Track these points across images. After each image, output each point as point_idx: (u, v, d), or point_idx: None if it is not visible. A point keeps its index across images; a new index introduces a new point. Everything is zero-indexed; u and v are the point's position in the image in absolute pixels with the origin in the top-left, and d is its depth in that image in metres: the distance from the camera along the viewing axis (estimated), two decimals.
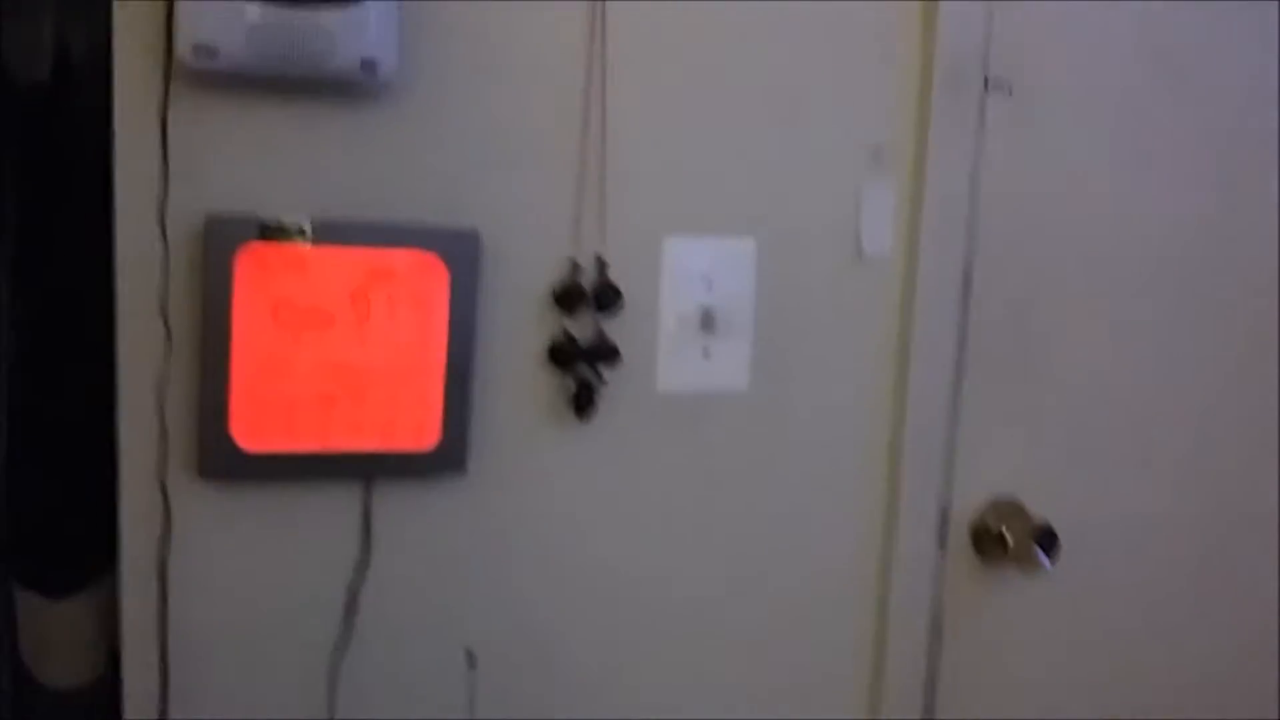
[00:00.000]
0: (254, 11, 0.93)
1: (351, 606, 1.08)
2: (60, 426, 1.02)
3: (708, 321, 1.20)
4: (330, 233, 1.01)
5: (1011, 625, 1.41)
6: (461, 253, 1.06)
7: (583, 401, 1.14)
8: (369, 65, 0.98)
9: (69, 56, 1.01)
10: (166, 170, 0.96)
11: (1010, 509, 1.37)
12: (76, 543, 1.04)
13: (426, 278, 1.05)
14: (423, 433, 1.08)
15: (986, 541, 1.37)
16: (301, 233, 0.99)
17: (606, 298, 1.14)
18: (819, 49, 1.19)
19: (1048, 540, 1.33)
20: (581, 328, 1.14)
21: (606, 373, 1.15)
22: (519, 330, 1.12)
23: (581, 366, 1.14)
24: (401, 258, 1.04)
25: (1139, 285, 1.38)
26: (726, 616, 1.24)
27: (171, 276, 0.98)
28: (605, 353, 1.14)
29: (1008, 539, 1.35)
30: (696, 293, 1.20)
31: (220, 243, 0.98)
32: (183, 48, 0.94)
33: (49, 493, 1.03)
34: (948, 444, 1.33)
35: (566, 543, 1.17)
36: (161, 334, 0.98)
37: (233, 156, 1.00)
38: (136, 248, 0.97)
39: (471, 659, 1.04)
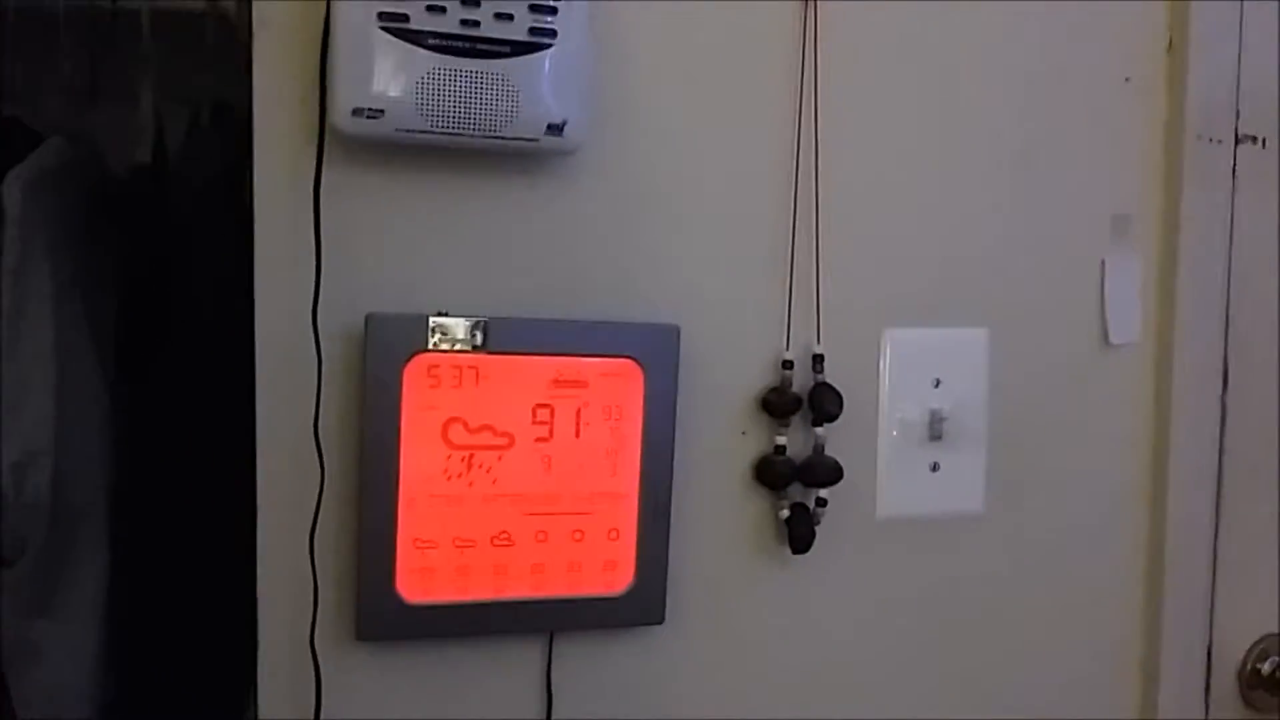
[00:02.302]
0: (424, 62, 0.76)
1: None
2: (181, 581, 0.83)
3: (936, 429, 1.00)
4: (509, 336, 0.82)
5: None
6: (659, 354, 0.87)
7: (799, 531, 0.94)
8: (556, 128, 0.80)
9: (165, 135, 0.85)
10: (320, 260, 0.78)
11: None
12: (203, 713, 0.84)
13: (619, 385, 0.86)
14: (613, 574, 0.88)
15: (1257, 688, 1.14)
16: (477, 336, 0.80)
17: (826, 404, 0.94)
18: (1052, 109, 1.01)
19: None
20: (792, 441, 0.93)
21: (826, 495, 0.94)
22: (720, 445, 0.92)
23: (796, 488, 0.94)
24: (593, 365, 0.85)
25: None
26: None
27: (323, 390, 0.79)
28: (825, 471, 0.94)
29: None
30: (923, 394, 1.00)
31: (385, 349, 0.79)
32: (339, 113, 0.77)
33: (169, 660, 0.83)
34: (1210, 571, 1.11)
35: (781, 702, 0.95)
36: (314, 462, 0.79)
37: (394, 243, 0.82)
38: (283, 355, 0.79)
39: None
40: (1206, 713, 1.11)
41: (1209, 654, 1.11)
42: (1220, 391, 1.10)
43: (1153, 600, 1.07)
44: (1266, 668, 1.13)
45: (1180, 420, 1.07)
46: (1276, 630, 1.14)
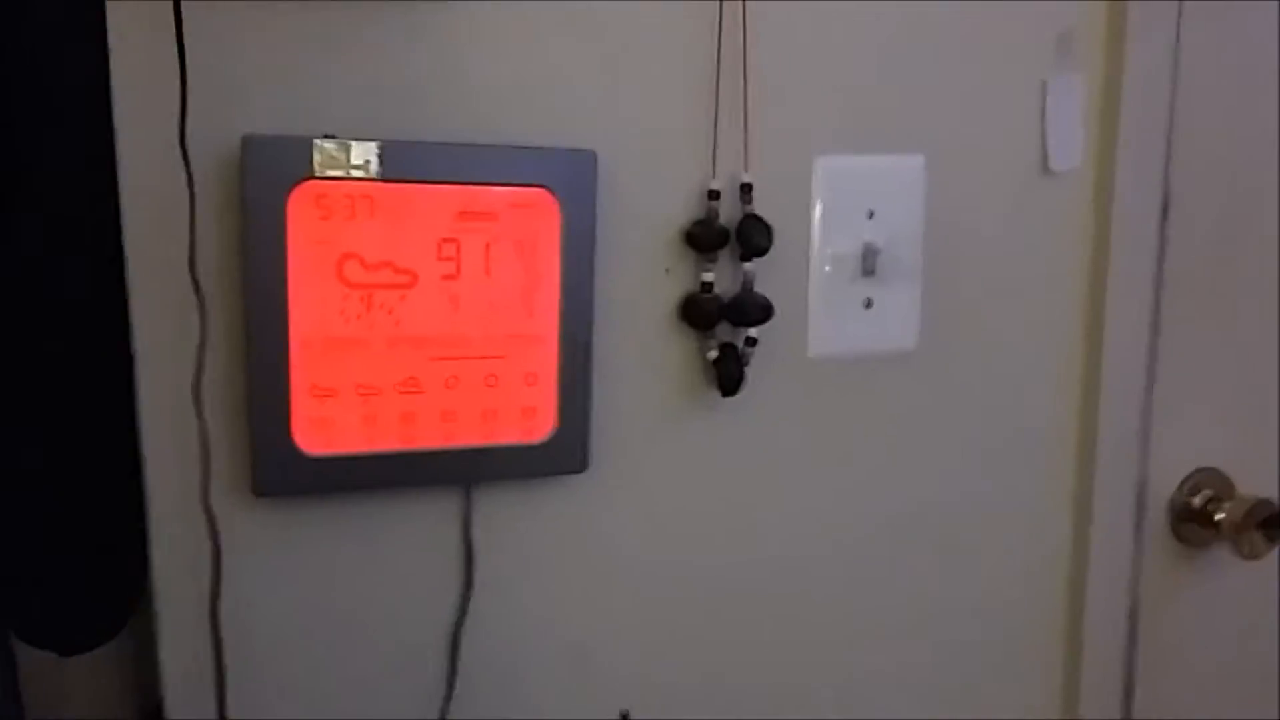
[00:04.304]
0: None
1: (455, 645, 0.83)
2: (56, 443, 0.75)
3: (869, 263, 0.95)
4: (409, 162, 0.74)
5: (1211, 616, 1.17)
6: (575, 183, 0.80)
7: (728, 372, 0.89)
8: None
9: None
10: (184, 73, 0.69)
11: (1216, 483, 1.13)
12: (95, 585, 0.78)
13: (532, 218, 0.79)
14: (532, 421, 0.82)
15: (1188, 522, 1.13)
16: (372, 162, 0.73)
17: (755, 237, 0.88)
18: None
19: (1273, 523, 1.09)
20: (719, 277, 0.88)
21: (756, 334, 0.89)
22: (643, 283, 0.86)
23: (724, 328, 0.89)
24: (503, 194, 0.77)
25: None
26: (902, 612, 1.01)
27: (198, 224, 0.71)
28: (754, 310, 0.89)
29: (1218, 520, 1.11)
30: (856, 226, 0.94)
31: (265, 176, 0.71)
32: None
33: (52, 524, 0.77)
34: (1145, 408, 1.08)
35: (709, 547, 0.92)
36: (192, 302, 0.71)
37: (272, 57, 0.73)
38: (148, 184, 0.71)
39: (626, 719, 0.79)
40: (1137, 546, 1.10)
41: (1141, 488, 1.09)
42: (1160, 221, 1.06)
43: (1087, 434, 1.05)
44: (1198, 501, 1.12)
45: (1119, 251, 1.03)
46: (1209, 464, 1.12)
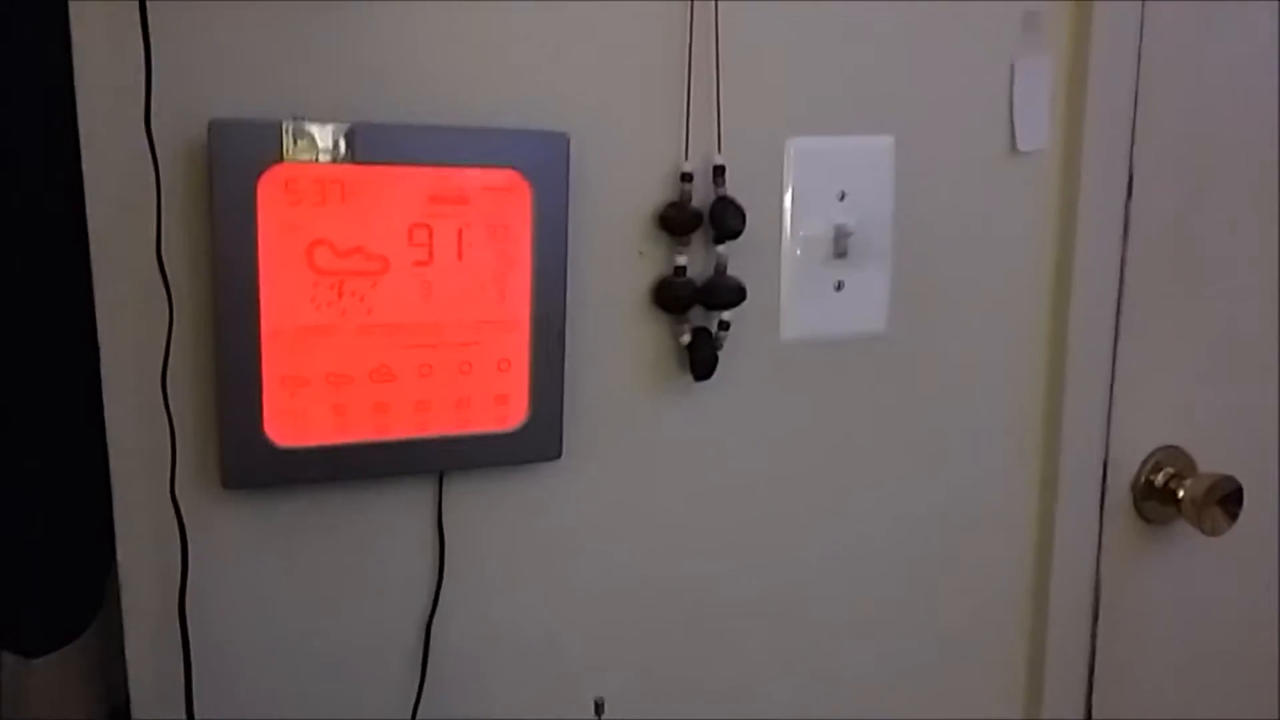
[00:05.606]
0: None
1: (427, 635, 0.82)
2: (18, 430, 0.73)
3: (841, 245, 0.94)
4: (379, 144, 0.73)
5: (1173, 590, 1.18)
6: (547, 166, 0.79)
7: (702, 356, 0.88)
8: None
9: None
10: (149, 57, 0.67)
11: (1177, 461, 1.14)
12: (58, 583, 0.76)
13: (504, 201, 0.78)
14: (505, 409, 0.81)
15: (1150, 499, 1.14)
16: (341, 145, 0.71)
17: (728, 219, 0.87)
18: None
19: (1233, 500, 1.11)
20: (692, 261, 0.87)
21: (729, 318, 0.88)
22: (615, 267, 0.85)
23: (697, 312, 0.88)
24: (475, 177, 0.76)
25: None
26: (873, 588, 1.01)
27: (165, 211, 0.69)
28: (728, 293, 0.88)
29: (1180, 497, 1.12)
30: (828, 208, 0.94)
31: (234, 162, 0.69)
32: None
33: (11, 521, 0.74)
34: (1109, 384, 1.09)
35: (685, 533, 0.91)
36: (159, 291, 0.69)
37: (239, 40, 0.71)
38: (113, 171, 0.69)
39: (600, 708, 0.78)
40: (1101, 523, 1.11)
41: (1105, 466, 1.10)
42: (1125, 201, 1.06)
43: (1052, 413, 1.06)
44: (1160, 479, 1.13)
45: (1084, 231, 1.04)
46: (1171, 443, 1.14)
